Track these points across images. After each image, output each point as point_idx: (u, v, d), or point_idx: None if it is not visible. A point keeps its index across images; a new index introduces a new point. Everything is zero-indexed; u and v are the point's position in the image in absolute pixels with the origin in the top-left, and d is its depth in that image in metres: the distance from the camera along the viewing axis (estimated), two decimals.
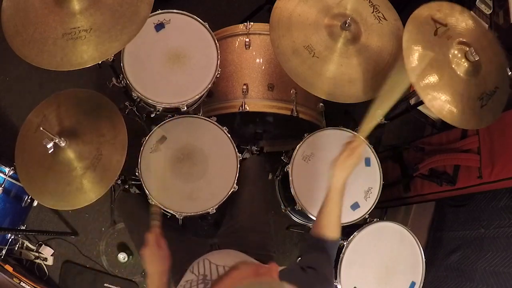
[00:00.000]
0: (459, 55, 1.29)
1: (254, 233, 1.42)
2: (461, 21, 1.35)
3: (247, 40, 1.72)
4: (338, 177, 1.08)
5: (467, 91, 1.28)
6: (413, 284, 1.56)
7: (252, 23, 1.71)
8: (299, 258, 1.09)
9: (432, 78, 1.25)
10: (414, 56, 1.24)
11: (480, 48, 1.29)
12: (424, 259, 1.58)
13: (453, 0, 1.39)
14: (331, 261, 1.06)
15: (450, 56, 1.29)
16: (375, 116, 1.14)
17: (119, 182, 1.79)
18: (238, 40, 1.75)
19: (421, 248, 1.59)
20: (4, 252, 1.96)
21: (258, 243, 1.39)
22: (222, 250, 1.29)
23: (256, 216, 1.48)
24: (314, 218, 1.58)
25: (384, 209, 2.29)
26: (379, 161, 1.66)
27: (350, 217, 1.58)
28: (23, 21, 1.18)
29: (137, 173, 1.52)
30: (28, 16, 1.19)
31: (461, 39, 1.31)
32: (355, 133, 1.68)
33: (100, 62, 1.52)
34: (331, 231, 1.06)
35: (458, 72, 1.28)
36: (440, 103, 1.25)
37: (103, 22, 1.18)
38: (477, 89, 1.30)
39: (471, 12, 1.64)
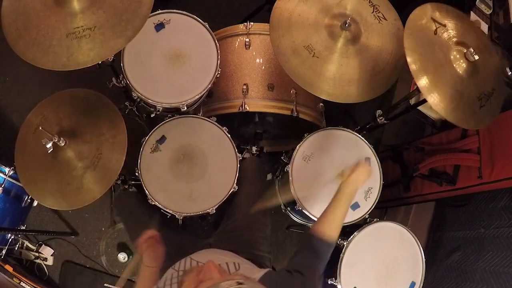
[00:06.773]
0: (458, 55, 1.29)
1: (249, 233, 1.41)
2: (458, 24, 1.36)
3: (247, 40, 1.72)
4: (349, 184, 1.18)
5: (467, 90, 1.28)
6: (413, 284, 1.56)
7: (252, 23, 1.71)
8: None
9: (433, 76, 1.25)
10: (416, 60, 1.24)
11: (478, 50, 1.29)
12: (424, 259, 1.58)
13: (454, 0, 1.39)
14: (321, 264, 1.05)
15: (451, 55, 1.29)
16: None
17: (119, 182, 1.79)
18: (238, 40, 1.75)
19: (421, 248, 1.59)
20: (4, 252, 1.96)
21: (252, 243, 1.38)
22: (209, 249, 1.28)
23: (254, 216, 1.47)
24: (314, 218, 1.58)
25: (384, 209, 2.29)
26: (379, 161, 1.66)
27: (350, 217, 1.58)
28: (25, 25, 1.17)
29: (137, 173, 1.52)
30: (30, 19, 1.18)
31: (460, 39, 1.31)
32: (357, 133, 1.68)
33: (100, 62, 1.52)
34: (328, 229, 1.08)
35: (458, 72, 1.28)
36: (440, 101, 1.25)
37: (107, 19, 1.18)
38: (476, 89, 1.30)
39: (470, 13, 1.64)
